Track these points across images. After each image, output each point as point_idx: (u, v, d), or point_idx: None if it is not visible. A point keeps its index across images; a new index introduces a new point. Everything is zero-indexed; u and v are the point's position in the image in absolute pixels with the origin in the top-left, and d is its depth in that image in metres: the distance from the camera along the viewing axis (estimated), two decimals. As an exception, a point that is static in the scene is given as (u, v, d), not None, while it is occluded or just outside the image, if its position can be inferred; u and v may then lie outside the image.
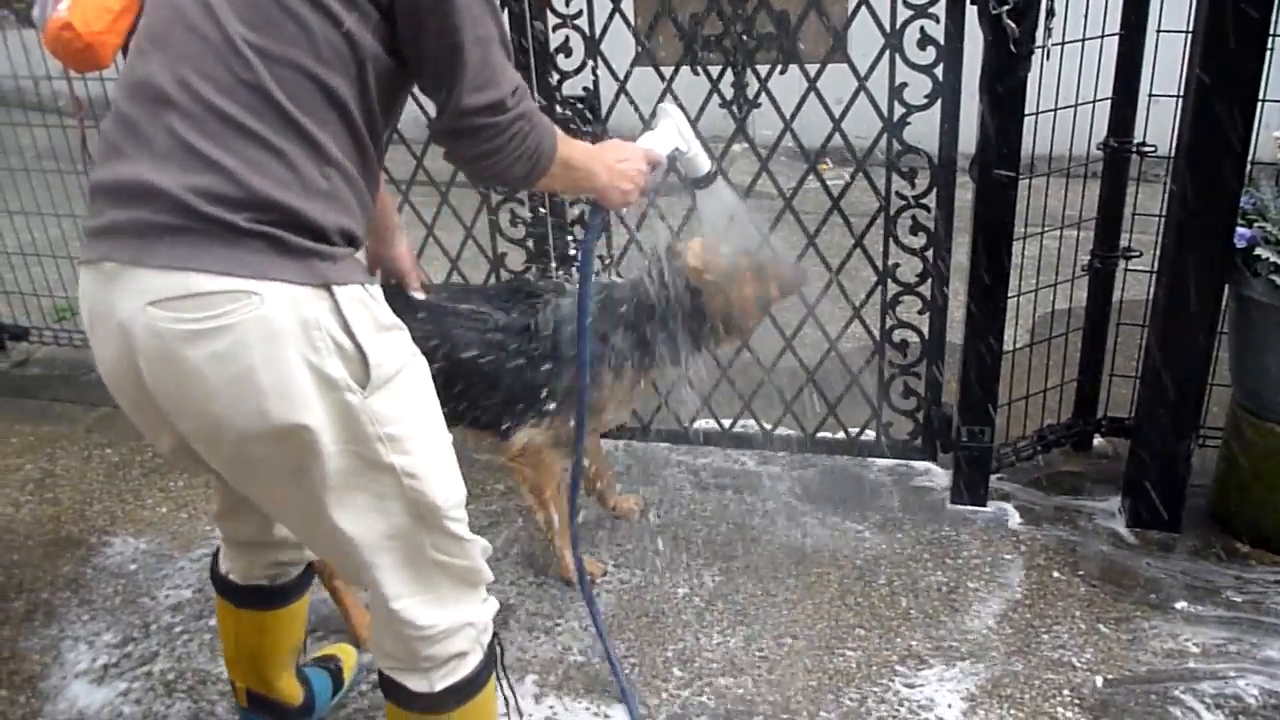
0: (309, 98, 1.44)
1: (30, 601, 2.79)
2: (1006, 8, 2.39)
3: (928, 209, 2.75)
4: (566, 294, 2.44)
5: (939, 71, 2.59)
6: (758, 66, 2.74)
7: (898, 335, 2.93)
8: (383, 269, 2.30)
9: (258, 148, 1.41)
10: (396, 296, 2.36)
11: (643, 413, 3.18)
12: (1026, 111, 2.55)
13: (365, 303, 1.50)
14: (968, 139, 2.64)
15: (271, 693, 2.16)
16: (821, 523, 2.93)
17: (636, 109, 2.82)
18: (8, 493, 3.29)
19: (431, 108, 1.59)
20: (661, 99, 2.79)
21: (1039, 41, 2.48)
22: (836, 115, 2.72)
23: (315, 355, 1.44)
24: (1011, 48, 2.43)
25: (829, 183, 2.84)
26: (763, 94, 2.76)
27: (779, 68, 2.73)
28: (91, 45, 2.85)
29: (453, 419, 2.44)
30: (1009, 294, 2.76)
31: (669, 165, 2.18)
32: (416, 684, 1.74)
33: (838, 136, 2.76)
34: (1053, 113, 2.65)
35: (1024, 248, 2.79)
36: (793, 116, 2.75)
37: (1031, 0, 2.41)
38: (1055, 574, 2.68)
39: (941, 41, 2.56)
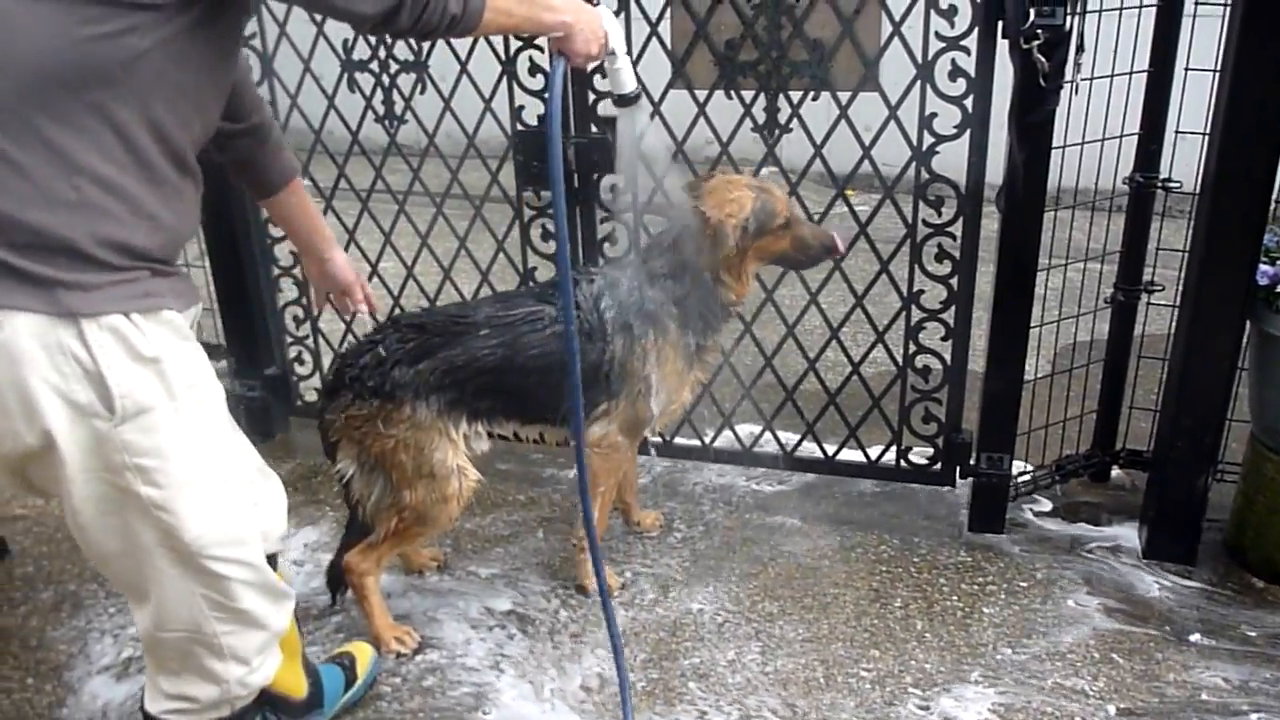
0: (62, 106, 1.41)
1: (58, 593, 2.84)
2: (1037, 42, 2.43)
3: (954, 237, 2.79)
4: (596, 276, 2.52)
5: (969, 103, 2.63)
6: (791, 92, 2.79)
7: (920, 361, 2.96)
8: (322, 284, 2.30)
9: (1, 166, 1.39)
10: (454, 323, 2.43)
11: (664, 428, 3.22)
12: (1054, 145, 2.59)
13: (120, 333, 1.47)
14: (995, 169, 2.68)
15: (279, 689, 2.14)
16: (839, 544, 2.96)
17: (670, 131, 2.87)
18: (39, 486, 3.34)
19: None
20: (695, 121, 2.86)
21: (1068, 76, 2.52)
22: (866, 142, 2.76)
23: (61, 380, 1.44)
24: (1041, 82, 2.47)
25: (856, 208, 2.88)
26: (794, 119, 2.81)
27: (811, 94, 2.78)
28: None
29: (540, 419, 2.53)
30: (1031, 324, 2.79)
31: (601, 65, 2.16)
32: (148, 698, 1.83)
33: (866, 163, 2.80)
34: (1080, 147, 2.68)
35: (1047, 278, 2.82)
36: (823, 142, 2.80)
37: (1062, 36, 2.45)
38: (1071, 603, 2.70)
39: (972, 73, 2.60)
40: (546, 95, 1.94)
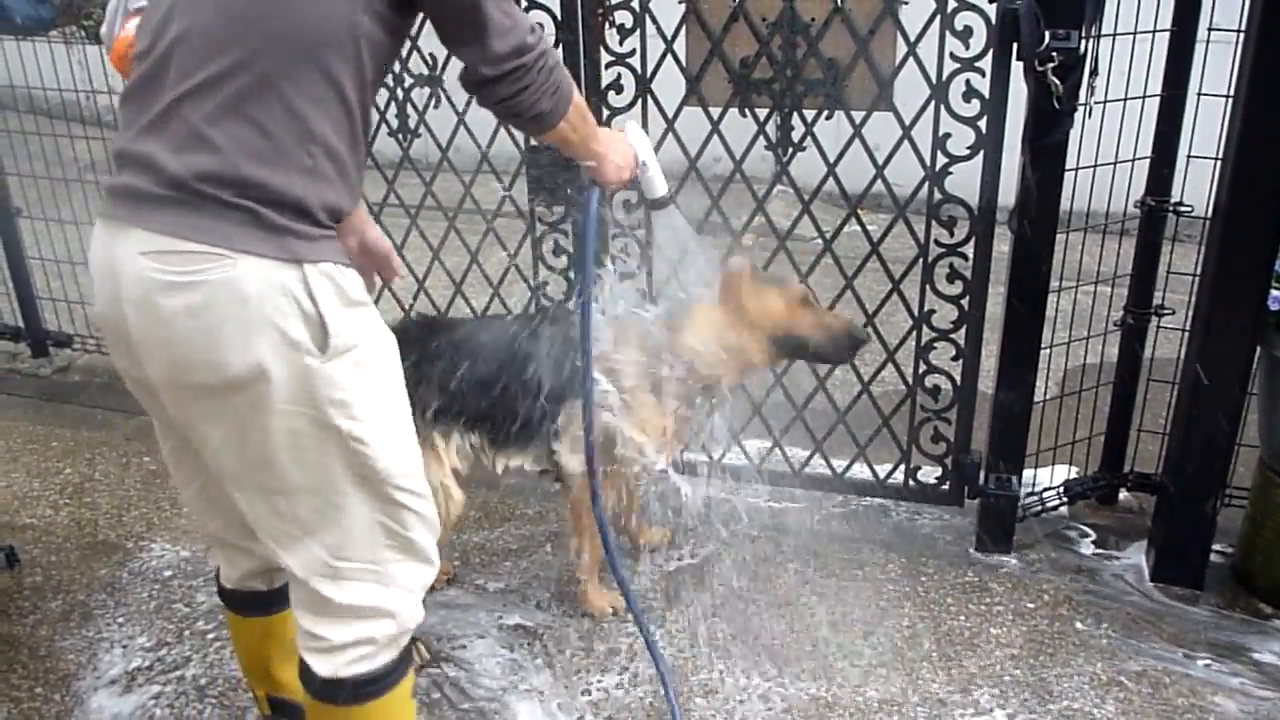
0: (307, 78, 1.52)
1: (67, 602, 2.84)
2: (1052, 65, 2.45)
3: (965, 258, 2.80)
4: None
5: (982, 124, 2.64)
6: (804, 111, 2.80)
7: (930, 381, 2.97)
8: (364, 260, 2.32)
9: (249, 128, 1.51)
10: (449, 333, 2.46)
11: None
12: (1066, 167, 2.61)
13: (334, 278, 1.59)
14: (1008, 191, 2.69)
15: (290, 694, 2.17)
16: (847, 562, 2.96)
17: (683, 147, 2.88)
18: (48, 495, 3.35)
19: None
20: (709, 139, 2.88)
21: (1082, 99, 2.54)
22: (879, 162, 2.77)
23: (281, 318, 1.55)
24: (1055, 104, 2.48)
25: (869, 228, 2.89)
26: (808, 138, 2.82)
27: (825, 113, 2.79)
28: (158, 64, 2.95)
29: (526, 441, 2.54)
30: (1041, 346, 2.80)
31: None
32: (320, 665, 1.78)
33: (879, 183, 2.81)
34: (1092, 169, 2.70)
35: (1058, 300, 2.83)
36: (836, 161, 2.81)
37: (1076, 59, 2.47)
38: (1078, 624, 2.70)
39: (986, 95, 2.62)
40: (581, 219, 2.10)
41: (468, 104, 3.02)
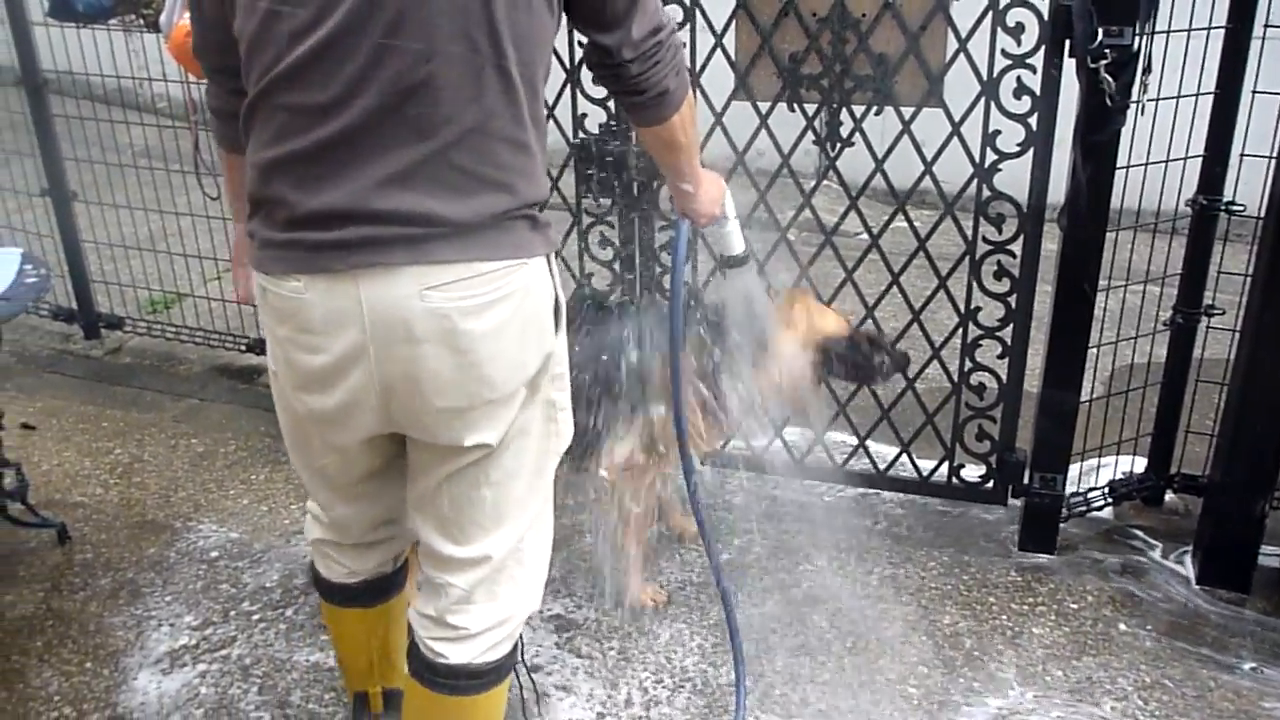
0: (541, 84, 1.61)
1: (116, 580, 2.90)
2: (1104, 62, 2.43)
3: (1013, 255, 2.78)
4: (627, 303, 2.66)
5: (1033, 121, 2.62)
6: (853, 106, 2.79)
7: (975, 378, 2.95)
8: None
9: (506, 148, 1.54)
10: None
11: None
12: (1118, 165, 2.58)
13: (552, 263, 1.70)
14: (1057, 188, 2.68)
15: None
16: (888, 559, 2.95)
17: (731, 142, 2.89)
18: (98, 474, 3.41)
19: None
20: (756, 134, 2.88)
21: (1135, 96, 2.51)
22: (928, 158, 2.76)
23: (545, 310, 1.66)
24: (1107, 101, 2.46)
25: (915, 224, 2.88)
26: (856, 134, 2.81)
27: (874, 109, 2.78)
28: (213, 52, 3.00)
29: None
30: (1088, 344, 2.78)
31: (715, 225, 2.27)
32: (454, 652, 1.80)
33: (927, 179, 2.80)
34: (1144, 167, 2.67)
35: (1106, 299, 2.81)
36: (884, 157, 2.80)
37: (1130, 56, 2.44)
38: (1121, 625, 2.68)
39: (1037, 91, 2.60)
40: (672, 252, 2.21)
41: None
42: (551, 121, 3.01)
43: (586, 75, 2.91)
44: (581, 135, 2.98)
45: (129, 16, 3.53)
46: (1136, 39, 2.44)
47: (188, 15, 3.00)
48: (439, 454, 1.69)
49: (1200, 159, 2.76)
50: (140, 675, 2.55)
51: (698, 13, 2.78)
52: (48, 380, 4.12)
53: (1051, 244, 2.72)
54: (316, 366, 1.61)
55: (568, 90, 2.96)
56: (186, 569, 2.94)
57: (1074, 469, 2.96)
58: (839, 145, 2.84)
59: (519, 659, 1.92)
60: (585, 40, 1.70)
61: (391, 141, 1.48)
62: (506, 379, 1.61)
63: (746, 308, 2.47)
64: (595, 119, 2.94)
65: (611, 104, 2.91)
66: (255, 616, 2.75)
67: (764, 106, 2.86)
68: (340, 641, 2.19)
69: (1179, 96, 2.64)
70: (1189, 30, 2.58)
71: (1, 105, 4.29)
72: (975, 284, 2.85)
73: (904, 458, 3.11)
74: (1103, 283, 2.73)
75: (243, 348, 4.00)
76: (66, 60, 3.92)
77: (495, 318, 1.56)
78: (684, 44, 1.75)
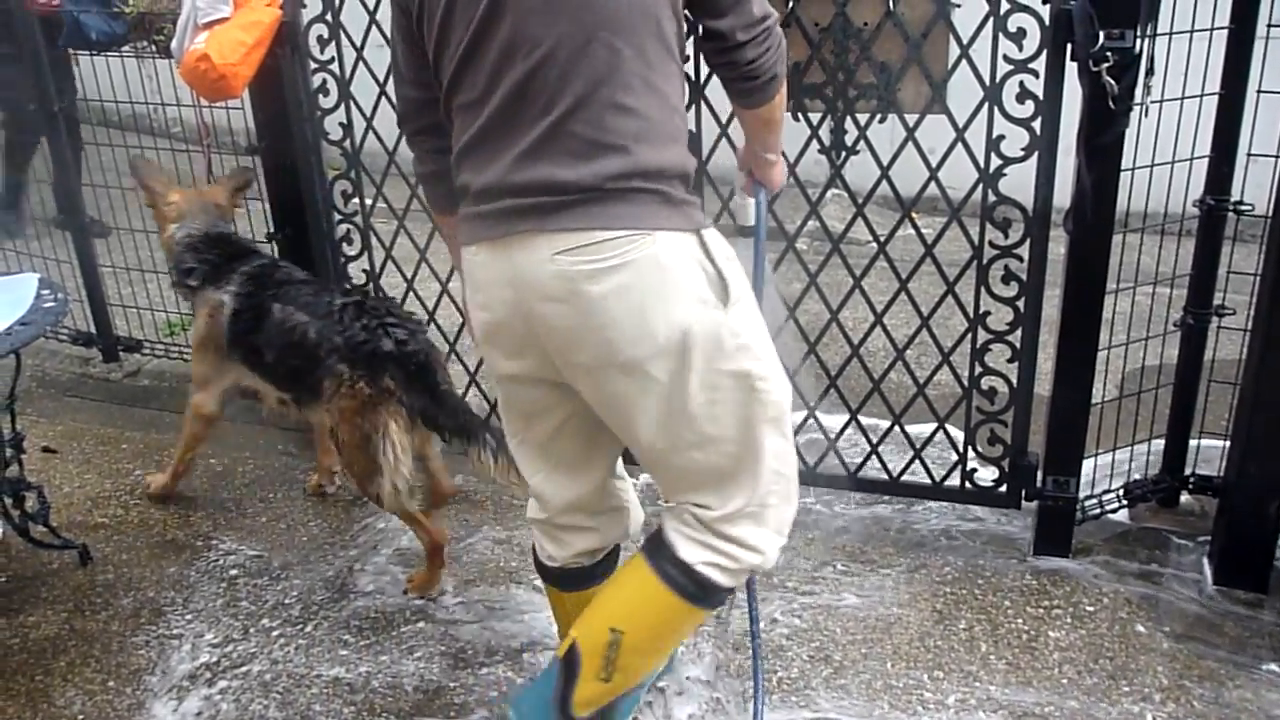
0: (652, 50, 1.70)
1: (138, 600, 2.93)
2: (1106, 65, 2.43)
3: (1020, 259, 2.79)
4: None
5: (1037, 125, 2.63)
6: (858, 115, 2.81)
7: (986, 383, 2.96)
8: None
9: (632, 119, 1.69)
10: None
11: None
12: (1123, 167, 2.59)
13: (716, 237, 1.80)
14: (1063, 192, 2.68)
15: None
16: (902, 565, 2.96)
17: (736, 152, 2.89)
18: (119, 495, 3.45)
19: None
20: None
21: (1138, 98, 2.52)
22: (933, 165, 2.78)
23: (692, 281, 1.73)
24: (1110, 104, 2.46)
25: (923, 230, 2.89)
26: (861, 142, 2.83)
27: (879, 117, 2.80)
28: (225, 76, 3.06)
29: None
30: (1099, 347, 2.78)
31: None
32: (686, 549, 1.92)
33: (933, 185, 2.81)
34: (1149, 169, 2.68)
35: (1115, 302, 2.81)
36: (889, 165, 2.81)
37: (1132, 58, 2.45)
38: (1139, 628, 2.67)
39: (1041, 96, 2.61)
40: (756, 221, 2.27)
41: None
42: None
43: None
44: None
45: (141, 43, 3.58)
46: (1138, 41, 2.45)
47: (200, 39, 3.07)
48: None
49: (1207, 159, 2.76)
50: (162, 694, 2.58)
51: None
52: (68, 404, 4.17)
53: (1059, 247, 2.72)
54: (487, 320, 1.87)
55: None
56: (207, 587, 2.97)
57: (1087, 472, 2.96)
58: (844, 153, 2.85)
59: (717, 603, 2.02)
60: (700, 29, 1.80)
61: (522, 121, 1.71)
62: (630, 345, 1.72)
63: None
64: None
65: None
66: (275, 633, 2.77)
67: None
68: (555, 616, 2.39)
69: (1183, 98, 2.64)
70: (1191, 31, 2.59)
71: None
72: (983, 289, 2.86)
73: (915, 463, 3.12)
74: (1112, 285, 2.73)
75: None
76: (81, 88, 3.97)
77: (614, 283, 1.69)
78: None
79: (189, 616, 2.85)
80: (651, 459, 1.90)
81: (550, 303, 1.74)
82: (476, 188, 1.79)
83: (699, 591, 1.93)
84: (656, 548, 1.95)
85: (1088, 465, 2.95)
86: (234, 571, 3.04)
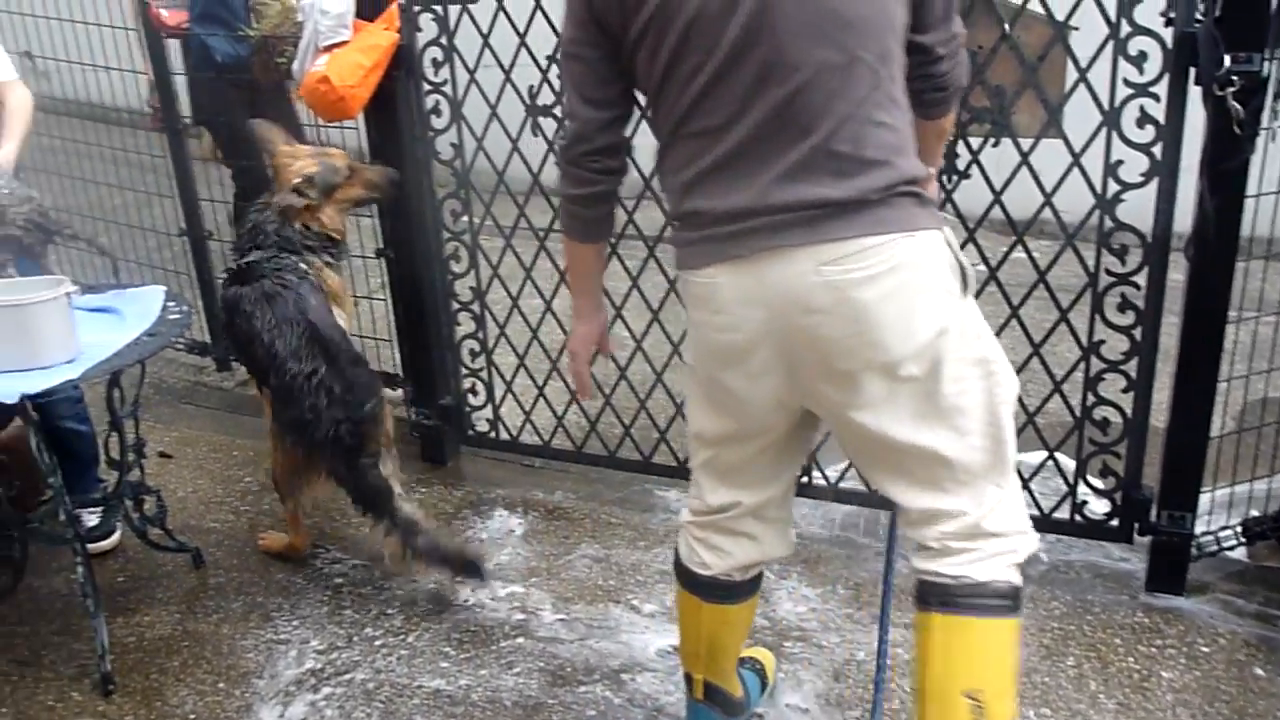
0: (895, 64, 1.73)
1: (247, 604, 3.01)
2: (1232, 89, 2.37)
3: (1137, 287, 2.72)
4: None
5: (1157, 150, 2.57)
6: (970, 138, 2.77)
7: (1099, 413, 2.88)
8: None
9: (887, 133, 1.71)
10: None
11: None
12: (1247, 193, 2.51)
13: (949, 231, 1.83)
14: (1183, 217, 2.61)
15: (726, 684, 2.30)
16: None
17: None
18: (230, 501, 3.56)
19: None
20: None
21: (1265, 123, 2.45)
22: (1048, 189, 2.72)
23: (944, 275, 1.77)
24: (1236, 129, 2.40)
25: (1035, 256, 2.83)
26: (973, 165, 2.79)
27: (991, 140, 2.76)
28: (344, 98, 3.15)
29: None
30: (1218, 378, 2.69)
31: None
32: (980, 571, 1.86)
33: (1047, 210, 2.76)
34: (1275, 195, 2.59)
35: (1237, 331, 2.72)
36: (1003, 189, 2.77)
37: (1259, 82, 2.38)
38: (1257, 670, 2.57)
39: (1161, 120, 2.55)
40: None
41: (634, 132, 3.08)
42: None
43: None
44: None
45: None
46: (1265, 64, 2.38)
47: (320, 62, 3.16)
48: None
49: (1336, 186, 2.66)
50: (269, 696, 2.64)
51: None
52: (183, 411, 4.31)
53: (1177, 274, 2.65)
54: (729, 341, 1.83)
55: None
56: (313, 594, 3.04)
57: (1204, 507, 2.86)
58: (955, 177, 2.82)
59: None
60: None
61: (779, 144, 1.70)
62: (898, 345, 1.73)
63: None
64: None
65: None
66: (378, 642, 2.82)
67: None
68: (679, 617, 2.29)
69: (1313, 122, 2.56)
70: (1322, 54, 2.50)
71: (145, 149, 4.52)
72: (1098, 316, 2.79)
73: (1024, 493, 3.04)
74: (1232, 314, 2.65)
75: (366, 380, 4.12)
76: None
77: (884, 287, 1.70)
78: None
79: (295, 622, 2.92)
80: (897, 463, 1.86)
81: (815, 314, 1.73)
82: (719, 212, 1.76)
83: (1014, 601, 1.88)
84: (947, 593, 1.87)
85: (1204, 500, 2.86)
86: (339, 580, 3.10)
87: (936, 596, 1.88)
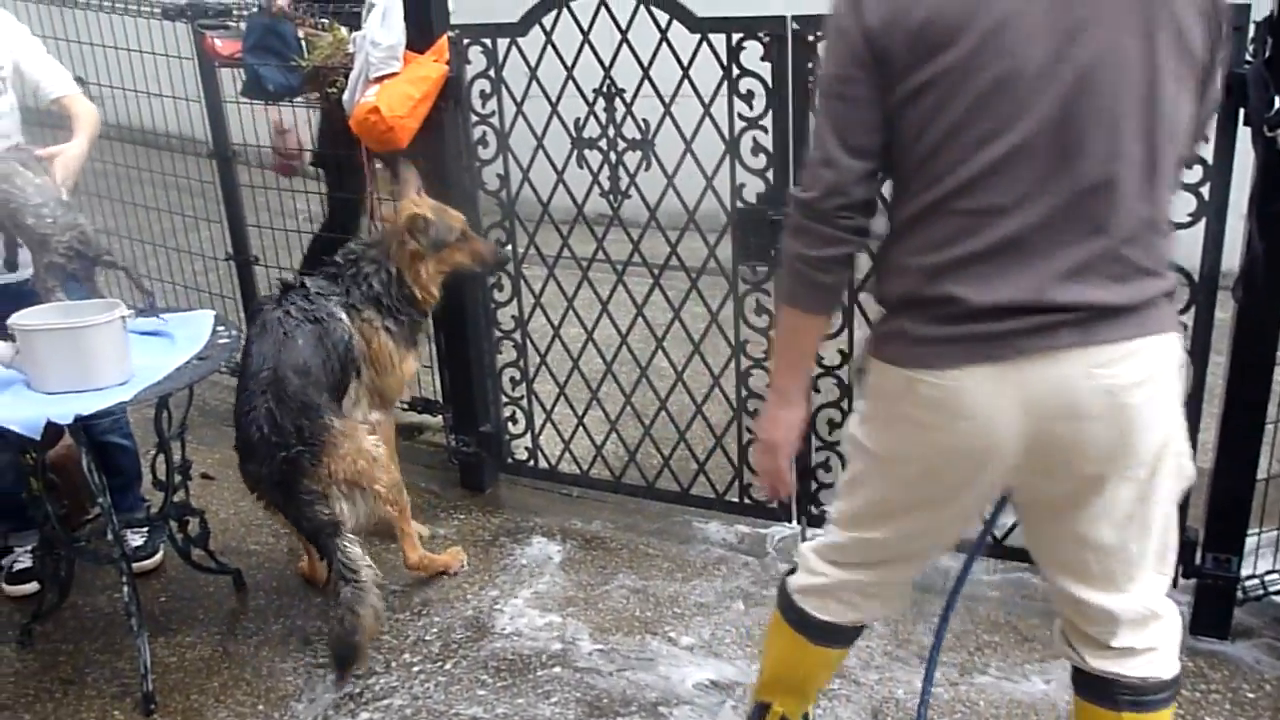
0: (1176, 177, 1.69)
1: (286, 626, 3.03)
2: (1283, 130, 2.36)
3: (1185, 327, 2.69)
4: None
5: (1205, 190, 2.56)
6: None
7: (1142, 453, 2.85)
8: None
9: (1169, 243, 1.67)
10: None
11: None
12: (1298, 235, 2.50)
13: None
14: (1231, 255, 2.60)
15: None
16: (1047, 638, 2.85)
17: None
18: (270, 524, 3.57)
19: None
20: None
21: (1316, 165, 2.43)
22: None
23: (1178, 381, 1.70)
24: (1287, 170, 2.39)
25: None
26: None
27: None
28: (393, 128, 3.20)
29: None
30: (1265, 420, 2.67)
31: None
32: (1163, 668, 1.84)
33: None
34: (1326, 237, 2.57)
35: (1284, 373, 2.70)
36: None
37: (1310, 123, 2.37)
38: (1305, 719, 2.54)
39: (1210, 160, 2.54)
40: None
41: (678, 166, 3.11)
42: (710, 191, 3.10)
43: (745, 145, 2.98)
44: (739, 204, 3.04)
45: (314, 95, 3.75)
46: (1317, 106, 2.37)
47: (370, 93, 3.21)
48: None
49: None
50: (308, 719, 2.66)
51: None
52: (225, 433, 4.31)
53: (1224, 314, 2.63)
54: (968, 447, 1.69)
55: (727, 161, 3.02)
56: (351, 619, 3.05)
57: (1249, 550, 2.83)
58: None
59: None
60: None
61: (1068, 238, 1.57)
62: (1147, 448, 1.67)
63: None
64: (753, 188, 3.00)
65: (770, 173, 2.96)
66: (415, 668, 2.83)
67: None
68: (774, 651, 2.20)
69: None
70: (1374, 96, 2.49)
71: (194, 174, 4.60)
72: (1143, 356, 2.77)
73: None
74: (1281, 355, 2.63)
75: (404, 406, 4.15)
76: (255, 134, 4.18)
77: (1148, 391, 1.63)
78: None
79: (334, 647, 2.93)
80: (1081, 560, 1.79)
81: (1082, 420, 1.63)
82: (983, 305, 1.60)
83: (1158, 695, 1.86)
84: (1138, 693, 1.85)
85: (1250, 542, 2.82)
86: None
87: (1127, 697, 1.85)
